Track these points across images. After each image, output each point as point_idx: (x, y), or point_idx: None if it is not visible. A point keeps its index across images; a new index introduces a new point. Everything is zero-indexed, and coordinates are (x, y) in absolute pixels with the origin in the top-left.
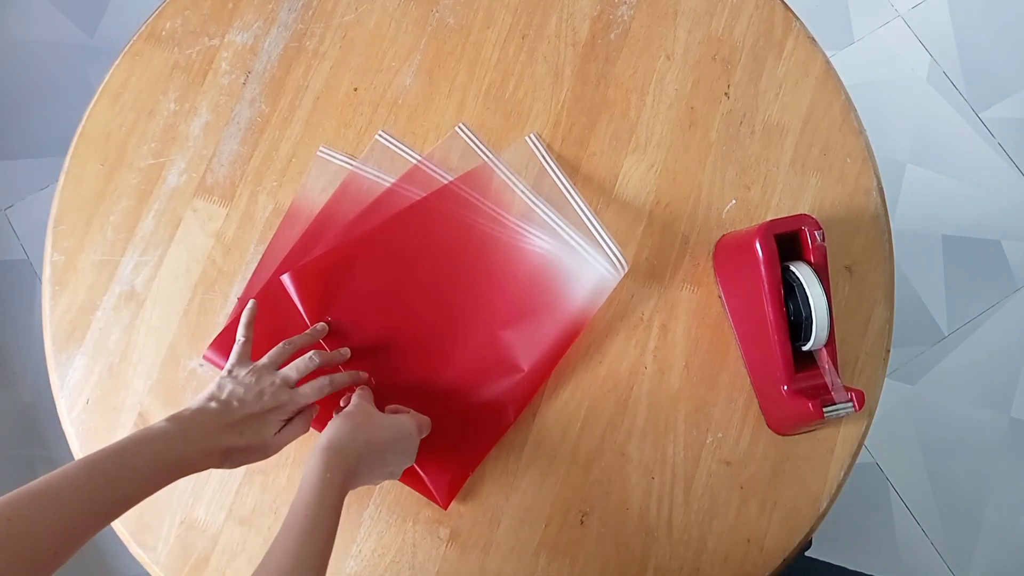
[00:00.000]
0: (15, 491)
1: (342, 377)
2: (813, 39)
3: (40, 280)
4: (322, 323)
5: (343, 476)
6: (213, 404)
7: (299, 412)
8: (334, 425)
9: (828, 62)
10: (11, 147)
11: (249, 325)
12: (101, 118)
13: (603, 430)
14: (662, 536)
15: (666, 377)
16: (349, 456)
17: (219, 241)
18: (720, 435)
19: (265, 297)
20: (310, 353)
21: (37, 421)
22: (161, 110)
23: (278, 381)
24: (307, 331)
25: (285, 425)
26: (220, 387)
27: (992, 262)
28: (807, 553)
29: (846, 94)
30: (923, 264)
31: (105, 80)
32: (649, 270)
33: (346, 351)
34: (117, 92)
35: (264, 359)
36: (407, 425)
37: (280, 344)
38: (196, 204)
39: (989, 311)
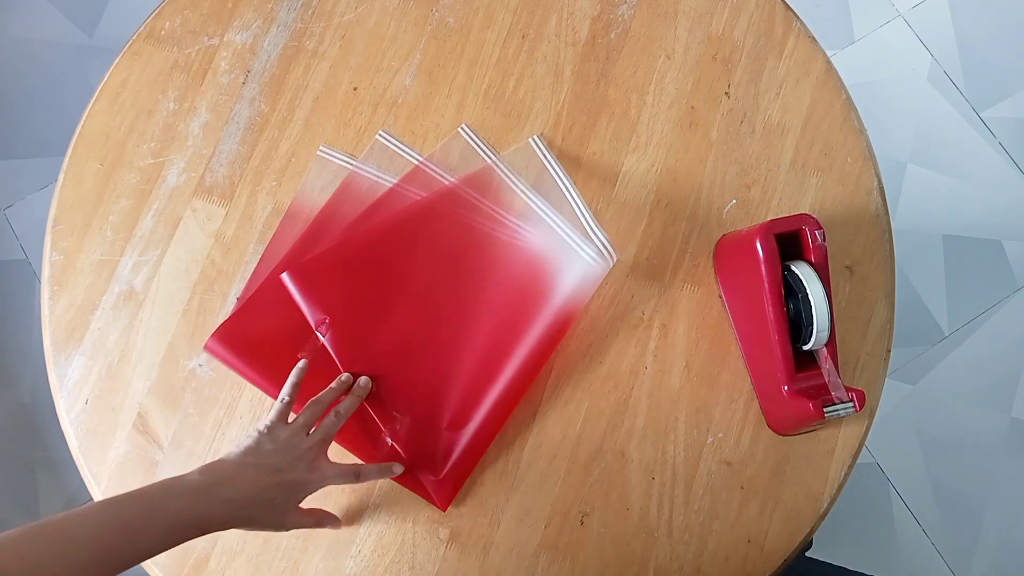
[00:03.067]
0: (32, 525)
1: (347, 406)
2: (814, 38)
3: (39, 280)
4: (347, 375)
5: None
6: (251, 460)
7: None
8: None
9: (829, 61)
10: (10, 147)
11: (295, 386)
12: (100, 118)
13: (603, 430)
14: (662, 536)
15: (666, 377)
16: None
17: (218, 241)
18: (720, 435)
19: (264, 295)
20: (332, 412)
21: (36, 421)
22: (160, 110)
23: (315, 447)
24: (333, 385)
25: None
26: (259, 444)
27: (993, 262)
28: (808, 553)
29: (847, 93)
30: (924, 264)
31: (104, 80)
32: (649, 270)
33: (365, 381)
34: (116, 92)
35: (300, 420)
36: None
37: (310, 404)
38: (195, 204)
39: (990, 311)
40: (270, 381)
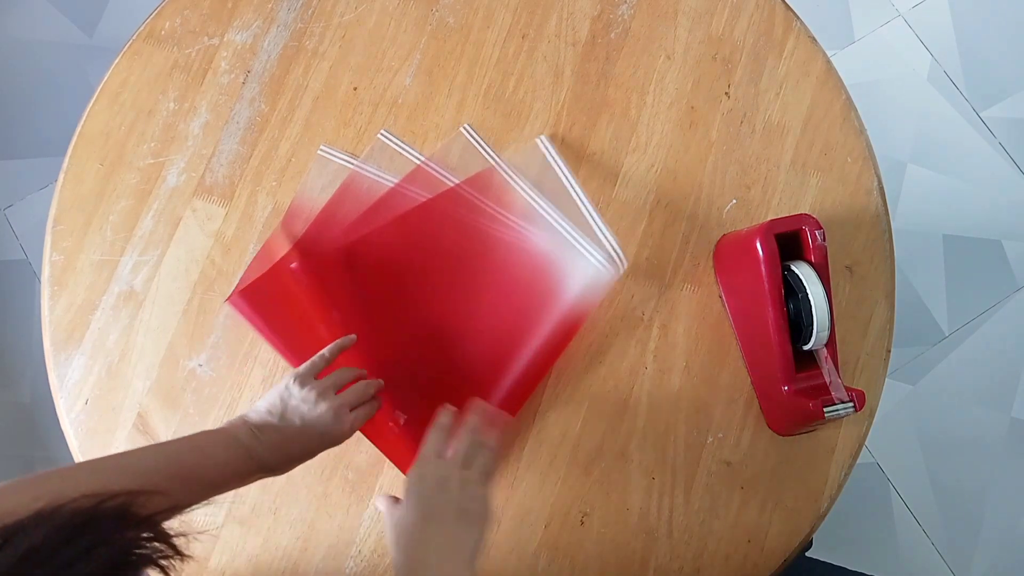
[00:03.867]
0: (91, 460)
1: (373, 406)
2: (814, 38)
3: (39, 280)
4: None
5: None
6: (272, 421)
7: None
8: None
9: (829, 61)
10: (10, 147)
11: (340, 348)
12: (100, 118)
13: (603, 430)
14: (662, 537)
15: (666, 377)
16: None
17: (218, 241)
18: (720, 435)
19: (272, 280)
20: (366, 382)
21: (36, 421)
22: (160, 109)
23: (337, 405)
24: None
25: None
26: (283, 400)
27: (993, 262)
28: (808, 553)
29: (847, 93)
30: (924, 264)
31: (104, 80)
32: (649, 270)
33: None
34: (116, 92)
35: (329, 380)
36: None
37: (342, 369)
38: (195, 204)
39: (990, 311)
40: (287, 344)
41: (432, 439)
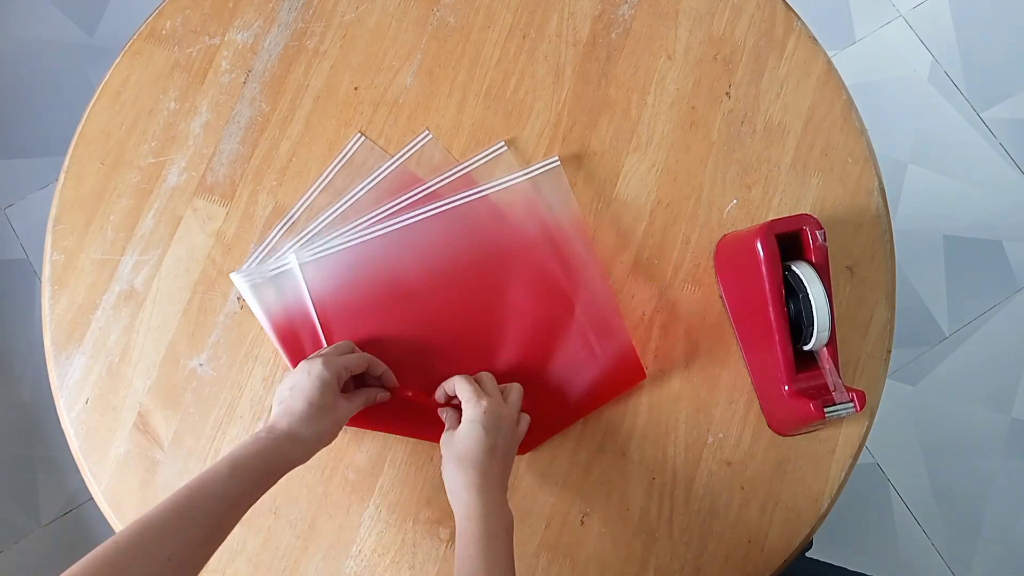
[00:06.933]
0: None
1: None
2: (814, 39)
3: (40, 279)
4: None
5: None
6: (287, 416)
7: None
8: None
9: (829, 62)
10: (11, 146)
11: (338, 349)
12: (101, 117)
13: (603, 430)
14: (663, 537)
15: (667, 377)
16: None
17: (219, 240)
18: (721, 435)
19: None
20: (363, 356)
21: (37, 421)
22: (161, 109)
23: (340, 364)
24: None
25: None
26: (294, 383)
27: (993, 263)
28: (808, 554)
29: (847, 94)
30: (924, 264)
31: (105, 79)
32: (650, 270)
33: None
34: (117, 91)
35: (329, 348)
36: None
37: (343, 342)
38: (196, 203)
39: (990, 312)
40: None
41: (465, 385)
